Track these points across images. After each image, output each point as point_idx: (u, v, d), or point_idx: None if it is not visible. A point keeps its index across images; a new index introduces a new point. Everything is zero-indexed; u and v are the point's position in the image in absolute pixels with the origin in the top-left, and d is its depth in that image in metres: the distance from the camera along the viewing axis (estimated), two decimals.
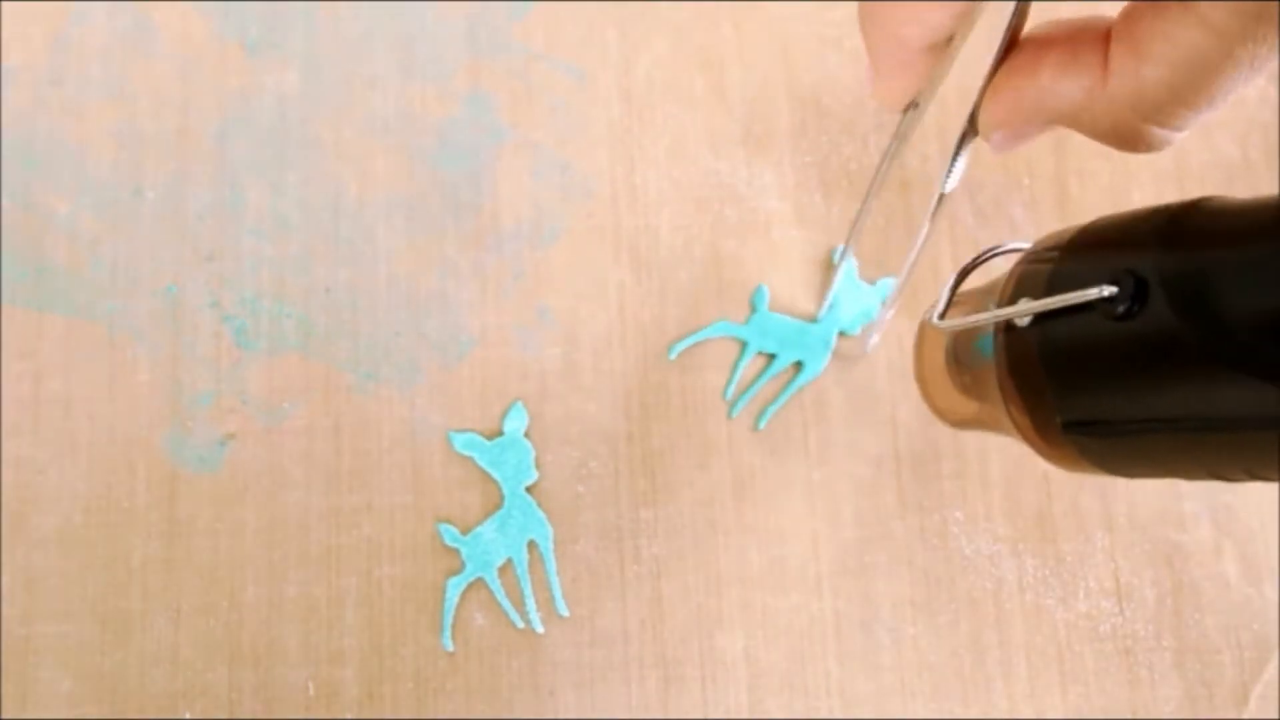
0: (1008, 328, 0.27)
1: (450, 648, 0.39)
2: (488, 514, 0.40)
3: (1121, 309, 0.23)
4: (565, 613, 0.39)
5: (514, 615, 0.39)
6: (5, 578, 0.39)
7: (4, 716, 0.38)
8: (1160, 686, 0.40)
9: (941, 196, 0.32)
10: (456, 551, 0.40)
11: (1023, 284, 0.27)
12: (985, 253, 0.32)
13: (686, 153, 0.44)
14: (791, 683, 0.39)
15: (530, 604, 0.39)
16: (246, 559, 0.40)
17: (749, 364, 0.42)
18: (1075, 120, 0.26)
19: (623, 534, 0.40)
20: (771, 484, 0.41)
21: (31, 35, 0.44)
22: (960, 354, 0.31)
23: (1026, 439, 0.28)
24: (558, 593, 0.39)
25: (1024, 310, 0.26)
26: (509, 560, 0.40)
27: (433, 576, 0.40)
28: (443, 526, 0.40)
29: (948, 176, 0.31)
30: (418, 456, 0.41)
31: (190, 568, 0.39)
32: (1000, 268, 0.30)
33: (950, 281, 0.32)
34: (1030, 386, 0.27)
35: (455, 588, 0.39)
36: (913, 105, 0.31)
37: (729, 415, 0.41)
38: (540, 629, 0.39)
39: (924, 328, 0.35)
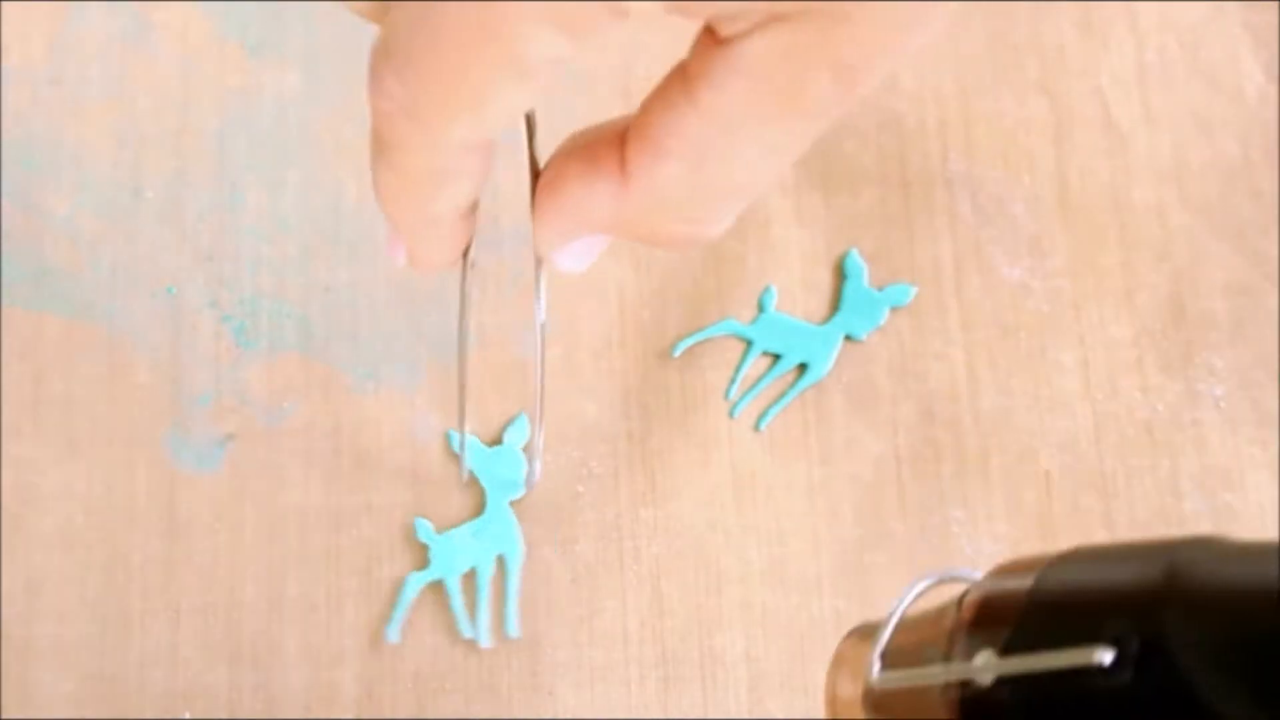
0: (961, 685, 0.23)
1: (396, 639, 0.39)
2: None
3: (1122, 678, 0.19)
4: (516, 634, 0.39)
5: (464, 624, 0.39)
6: (5, 578, 0.39)
7: (4, 717, 0.38)
8: None
9: (542, 327, 0.31)
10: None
11: (982, 626, 0.23)
12: (925, 583, 0.28)
13: None
14: (792, 683, 0.39)
15: (482, 617, 0.39)
16: (246, 559, 0.40)
17: (752, 364, 0.42)
18: (618, 228, 0.25)
19: (622, 534, 0.40)
20: (772, 483, 0.41)
21: (30, 35, 0.44)
22: (889, 703, 0.26)
23: None
24: (513, 612, 0.39)
25: (987, 668, 0.22)
26: (473, 569, 0.39)
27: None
28: (419, 521, 0.40)
29: (538, 304, 0.30)
30: (417, 457, 0.40)
31: (190, 568, 0.39)
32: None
33: (889, 625, 0.27)
34: None
35: (416, 583, 0.39)
36: (466, 262, 0.30)
37: (731, 415, 0.41)
38: (486, 643, 0.39)
39: (841, 660, 0.29)
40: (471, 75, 0.20)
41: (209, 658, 0.39)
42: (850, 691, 0.28)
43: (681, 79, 0.23)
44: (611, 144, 0.24)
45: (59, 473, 0.40)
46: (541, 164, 0.26)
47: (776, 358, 0.42)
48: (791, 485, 0.41)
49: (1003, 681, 0.22)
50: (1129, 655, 0.19)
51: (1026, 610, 0.22)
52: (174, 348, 0.41)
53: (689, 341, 0.42)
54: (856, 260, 0.42)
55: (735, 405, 0.41)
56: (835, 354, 0.42)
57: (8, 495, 0.40)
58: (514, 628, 0.39)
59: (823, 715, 0.39)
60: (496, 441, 0.40)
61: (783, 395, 0.41)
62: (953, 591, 0.26)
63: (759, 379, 0.41)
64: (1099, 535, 0.40)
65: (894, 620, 0.27)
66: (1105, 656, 0.19)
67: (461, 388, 0.36)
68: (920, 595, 0.27)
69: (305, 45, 0.44)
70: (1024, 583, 0.23)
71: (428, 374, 0.41)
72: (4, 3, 0.44)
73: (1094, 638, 0.20)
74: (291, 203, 0.43)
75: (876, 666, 0.26)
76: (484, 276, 0.42)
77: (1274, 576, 0.19)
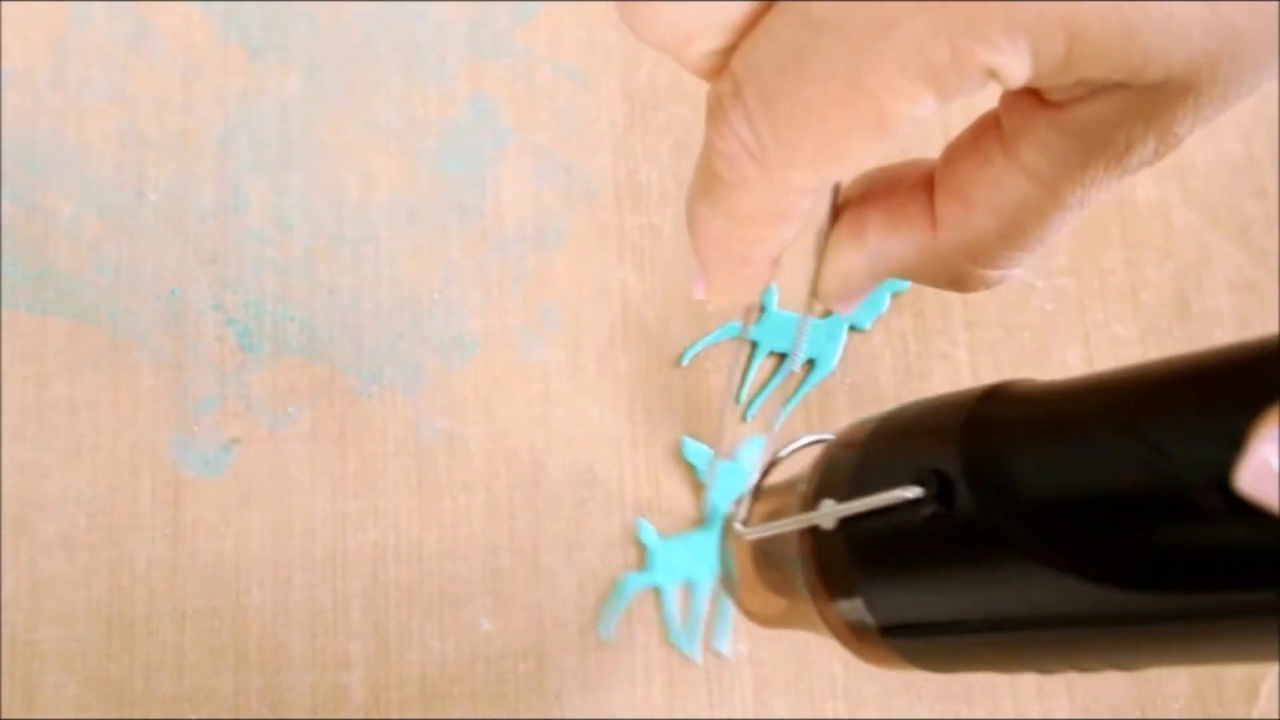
0: (814, 531, 0.26)
1: (608, 637, 0.39)
2: (488, 519, 0.40)
3: (928, 511, 0.22)
4: (727, 652, 0.39)
5: (675, 632, 0.39)
6: (9, 582, 0.39)
7: None
8: (1168, 684, 0.40)
9: (791, 375, 0.31)
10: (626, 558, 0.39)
11: (826, 482, 0.26)
12: (787, 448, 0.31)
13: (689, 151, 0.44)
14: (797, 685, 0.39)
15: (694, 630, 0.39)
16: (251, 563, 0.40)
17: (760, 365, 0.42)
18: (909, 273, 0.25)
19: (628, 538, 0.40)
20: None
21: (32, 38, 0.44)
22: (767, 553, 0.30)
23: (843, 642, 0.27)
24: (726, 629, 0.39)
25: (828, 514, 0.25)
26: (689, 581, 0.39)
27: (438, 581, 0.40)
28: (641, 522, 0.40)
29: (796, 355, 0.30)
30: (422, 460, 0.40)
31: (195, 572, 0.39)
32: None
33: (749, 486, 0.30)
34: (842, 590, 0.25)
35: (633, 584, 0.39)
36: (754, 308, 0.31)
37: (744, 418, 0.41)
38: (696, 658, 0.39)
39: (728, 524, 0.33)
40: (833, 127, 0.21)
41: (214, 661, 0.39)
42: (739, 551, 0.32)
43: (997, 136, 0.23)
44: (915, 192, 0.25)
45: (63, 476, 0.40)
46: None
47: (783, 356, 0.42)
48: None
49: (843, 523, 0.25)
50: (932, 491, 0.22)
51: (857, 465, 0.25)
52: (178, 351, 0.41)
53: (695, 349, 0.42)
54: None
55: (747, 408, 0.41)
56: (841, 346, 0.41)
57: (12, 499, 0.40)
58: (725, 645, 0.39)
59: (827, 717, 0.39)
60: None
61: (793, 393, 0.41)
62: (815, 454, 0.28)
63: (767, 380, 0.41)
64: None
65: (752, 482, 0.30)
66: (913, 493, 0.22)
67: (723, 411, 0.37)
68: (786, 458, 0.31)
69: (307, 47, 0.44)
70: (856, 445, 0.26)
71: (431, 376, 0.41)
72: (6, 5, 0.44)
73: (909, 478, 0.23)
74: (294, 205, 0.43)
75: (740, 523, 0.29)
76: (487, 278, 0.42)
77: (1050, 415, 0.22)
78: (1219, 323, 0.42)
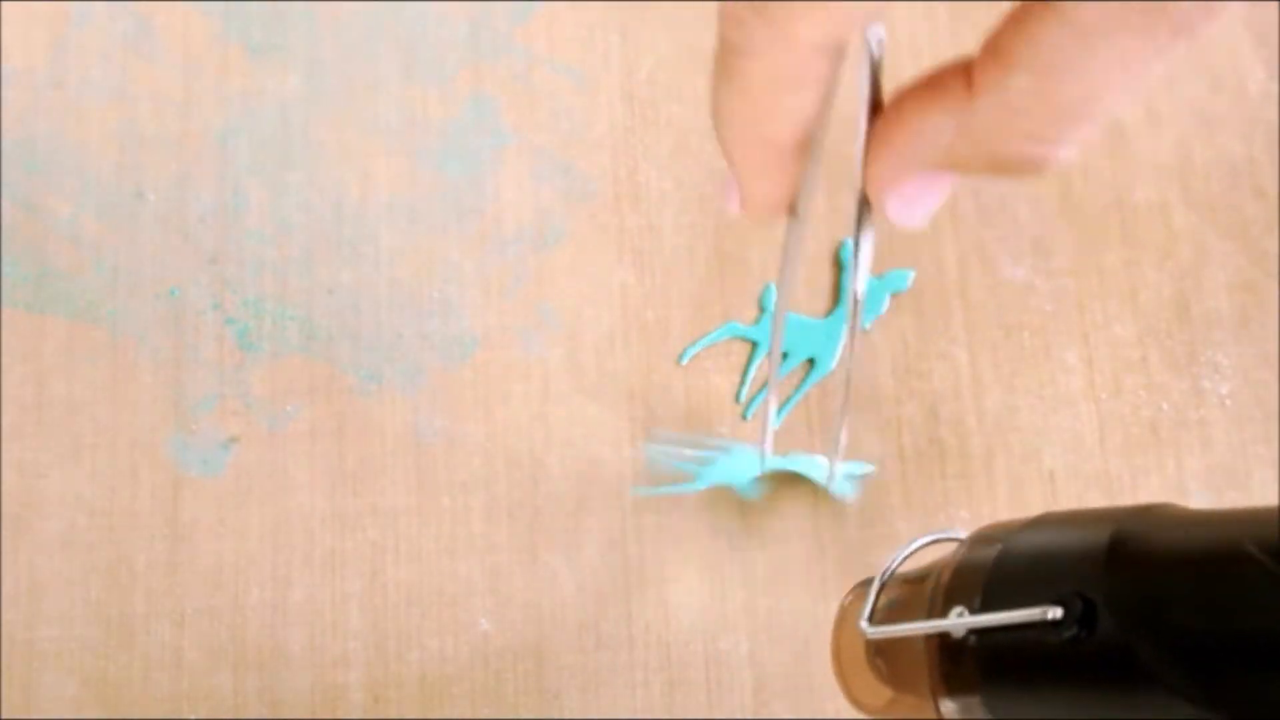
0: (941, 634, 0.26)
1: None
2: (488, 519, 0.40)
3: (1068, 634, 0.22)
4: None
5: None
6: (8, 582, 0.39)
7: None
8: None
9: (855, 298, 0.31)
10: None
11: (957, 586, 0.26)
12: (912, 546, 0.31)
13: (689, 152, 0.44)
14: (797, 685, 0.39)
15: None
16: (250, 562, 0.39)
17: (760, 364, 0.42)
18: (953, 156, 0.25)
19: (627, 538, 0.40)
20: (775, 484, 0.41)
21: (33, 37, 0.44)
22: (884, 646, 0.30)
23: None
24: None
25: (961, 623, 0.25)
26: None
27: (437, 580, 0.39)
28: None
29: (855, 273, 0.30)
30: (421, 459, 0.40)
31: (194, 571, 0.39)
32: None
33: (875, 585, 0.30)
34: (964, 694, 0.25)
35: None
36: (793, 214, 0.30)
37: (744, 417, 0.41)
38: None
39: (845, 614, 0.33)
40: None
41: (213, 661, 0.39)
42: (850, 639, 0.31)
43: None
44: (957, 70, 0.24)
45: (62, 476, 0.40)
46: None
47: (783, 356, 0.42)
48: (795, 486, 0.40)
49: (974, 633, 0.24)
50: (1074, 614, 0.22)
51: (993, 572, 0.25)
52: (177, 350, 0.41)
53: (695, 349, 0.42)
54: (852, 250, 0.42)
55: (747, 407, 0.41)
56: (841, 346, 0.42)
57: (11, 498, 0.40)
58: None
59: (828, 717, 0.39)
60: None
61: (793, 393, 0.41)
62: (942, 551, 0.28)
63: (767, 379, 0.41)
64: None
65: (880, 580, 0.30)
66: (1055, 613, 0.22)
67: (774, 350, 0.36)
68: (913, 554, 0.31)
69: (307, 47, 0.44)
70: (993, 549, 0.26)
71: (430, 376, 0.41)
72: (6, 5, 0.44)
73: (1048, 597, 0.22)
74: (294, 204, 0.43)
75: (865, 620, 0.29)
76: (486, 278, 0.42)
77: (1202, 544, 0.22)
78: (1219, 324, 0.42)
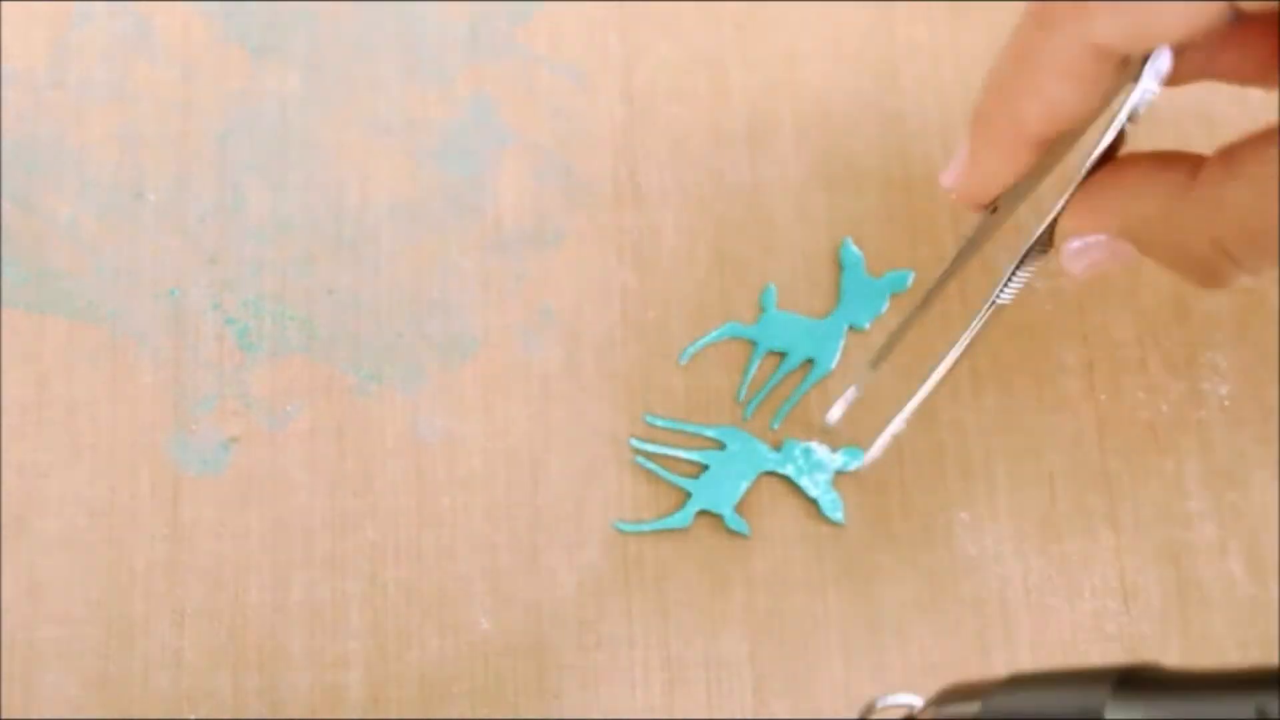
0: None
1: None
2: (488, 519, 0.40)
3: None
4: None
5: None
6: (8, 582, 0.39)
7: None
8: None
9: (994, 305, 0.30)
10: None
11: None
12: (877, 705, 0.30)
13: (689, 152, 0.44)
14: (796, 684, 0.39)
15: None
16: (250, 562, 0.39)
17: (760, 364, 0.42)
18: (1149, 232, 0.25)
19: (626, 538, 0.40)
20: (774, 485, 0.41)
21: (32, 38, 0.44)
22: None
23: None
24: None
25: None
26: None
27: (437, 580, 0.40)
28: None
29: (1004, 287, 0.29)
30: (421, 459, 0.40)
31: (194, 571, 0.39)
32: None
33: None
34: None
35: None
36: (992, 208, 0.30)
37: (745, 417, 0.41)
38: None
39: None
40: None
41: (213, 661, 0.39)
42: None
43: None
44: (1189, 159, 0.25)
45: (62, 476, 0.40)
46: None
47: (783, 356, 0.42)
48: (794, 487, 0.40)
49: None
50: None
51: None
52: (177, 350, 0.41)
53: (694, 348, 0.42)
54: (852, 250, 0.42)
55: (747, 407, 0.41)
56: (841, 346, 0.42)
57: (10, 498, 0.40)
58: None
59: (827, 717, 0.39)
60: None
61: (793, 393, 0.41)
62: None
63: (767, 379, 0.42)
64: (1103, 536, 0.40)
65: None
66: None
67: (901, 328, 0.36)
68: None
69: (307, 47, 0.44)
70: (968, 711, 0.24)
71: (430, 376, 0.41)
72: (6, 5, 0.44)
73: None
74: (294, 205, 0.43)
75: None
76: (486, 278, 0.42)
77: (1208, 715, 0.20)
78: (1218, 325, 0.42)
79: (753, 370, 0.41)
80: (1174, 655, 0.40)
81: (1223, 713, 0.20)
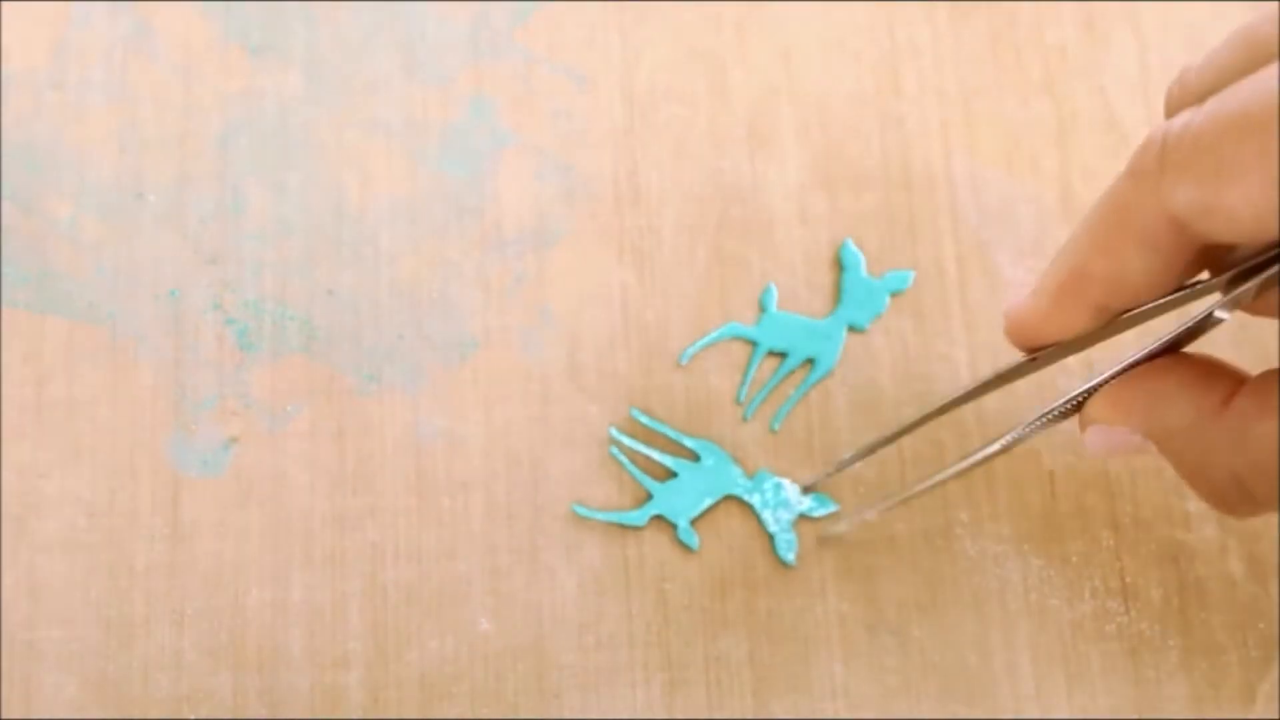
0: None
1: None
2: (488, 519, 0.40)
3: None
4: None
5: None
6: (7, 582, 0.39)
7: None
8: (1166, 686, 0.40)
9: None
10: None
11: None
12: None
13: (690, 153, 0.44)
14: (796, 685, 0.39)
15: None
16: (250, 563, 0.39)
17: (760, 365, 0.42)
18: (1172, 440, 0.24)
19: (626, 539, 0.40)
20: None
21: (32, 39, 0.44)
22: None
23: None
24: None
25: None
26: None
27: (437, 580, 0.40)
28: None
29: (1011, 441, 0.29)
30: (421, 459, 0.40)
31: (194, 572, 0.39)
32: None
33: None
34: None
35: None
36: (1033, 357, 0.29)
37: (745, 417, 0.41)
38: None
39: None
40: (1240, 152, 0.20)
41: (213, 662, 0.39)
42: None
43: None
44: (1233, 379, 0.24)
45: (61, 476, 0.40)
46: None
47: (783, 357, 0.42)
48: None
49: None
50: None
51: None
52: (177, 351, 0.41)
53: (694, 348, 0.42)
54: (853, 250, 0.42)
55: (747, 408, 0.41)
56: (841, 347, 0.42)
57: (10, 499, 0.40)
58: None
59: (828, 717, 0.39)
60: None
61: (793, 393, 0.41)
62: None
63: (767, 379, 0.42)
64: (1104, 535, 0.41)
65: None
66: None
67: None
68: None
69: (307, 47, 0.44)
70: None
71: (431, 376, 0.41)
72: (6, 5, 0.44)
73: None
74: (294, 205, 0.43)
75: None
76: (486, 278, 0.42)
77: None
78: (1218, 325, 0.42)
79: (753, 370, 0.41)
80: (1173, 656, 0.40)
81: None
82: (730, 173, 0.43)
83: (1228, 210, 0.21)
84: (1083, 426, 0.26)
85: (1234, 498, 0.24)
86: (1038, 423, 0.29)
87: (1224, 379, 0.24)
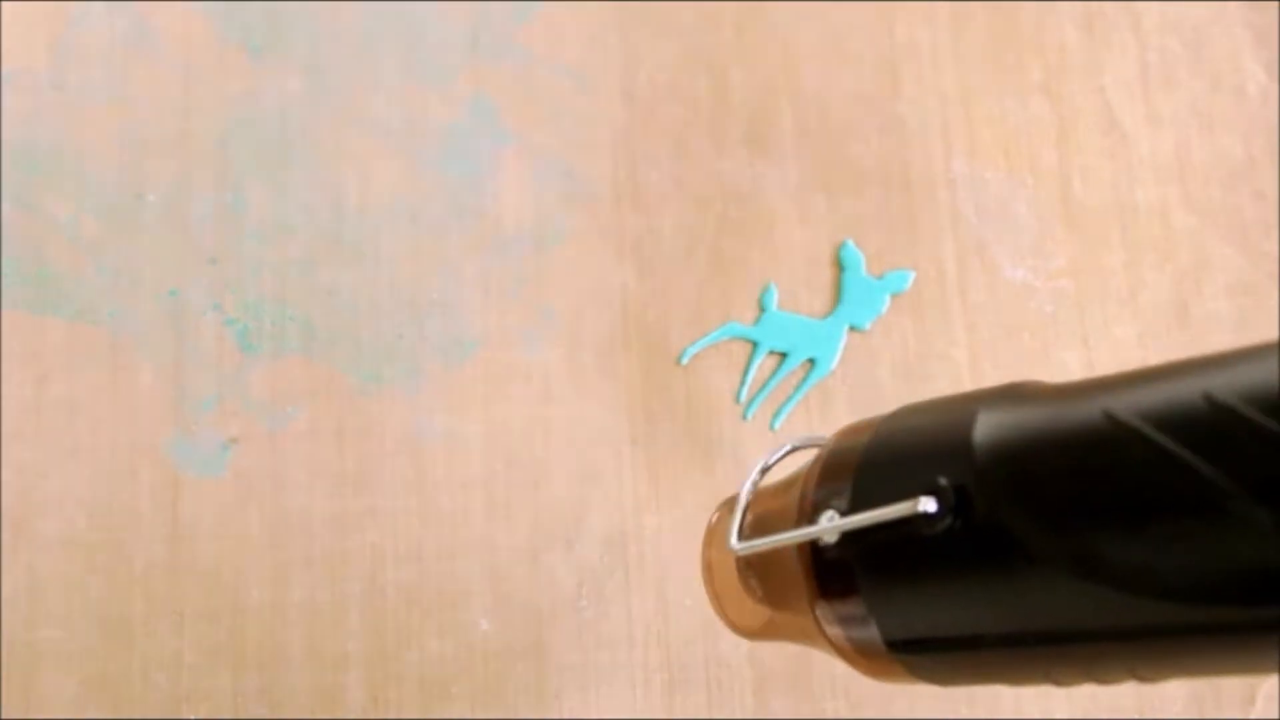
0: (813, 543, 0.25)
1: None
2: (488, 519, 0.40)
3: (943, 525, 0.21)
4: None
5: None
6: (8, 582, 0.39)
7: None
8: (1166, 686, 0.40)
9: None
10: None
11: (825, 491, 0.25)
12: (777, 453, 0.30)
13: (689, 153, 0.44)
14: (797, 684, 0.39)
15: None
16: (250, 563, 0.39)
17: (760, 364, 0.42)
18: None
19: (627, 538, 0.40)
20: None
21: (32, 39, 0.44)
22: (754, 564, 0.28)
23: (842, 656, 0.25)
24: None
25: (831, 528, 0.23)
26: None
27: (437, 581, 0.40)
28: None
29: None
30: (421, 460, 0.40)
31: (193, 572, 0.39)
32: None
33: (743, 497, 0.29)
34: (843, 604, 0.24)
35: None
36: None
37: (744, 417, 0.41)
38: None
39: (713, 533, 0.31)
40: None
41: (213, 662, 0.39)
42: (721, 559, 0.30)
43: None
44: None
45: (61, 477, 0.40)
46: None
47: (783, 356, 0.42)
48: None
49: (846, 536, 0.23)
50: (947, 503, 0.21)
51: (860, 469, 0.24)
52: (177, 351, 0.41)
53: (695, 348, 0.42)
54: (853, 250, 0.42)
55: (747, 407, 0.41)
56: (841, 346, 0.42)
57: (10, 499, 0.40)
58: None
59: (827, 717, 0.39)
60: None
61: (793, 393, 0.41)
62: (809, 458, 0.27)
63: (767, 379, 0.42)
64: None
65: (746, 493, 0.29)
66: (929, 505, 0.21)
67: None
68: (776, 463, 0.29)
69: (307, 48, 0.44)
70: (857, 444, 0.25)
71: (431, 376, 0.41)
72: (6, 5, 0.44)
73: (919, 489, 0.21)
74: (294, 206, 0.43)
75: (734, 537, 0.28)
76: (486, 278, 0.42)
77: (1067, 417, 0.21)
78: (1218, 325, 0.42)
79: (753, 370, 0.41)
80: None
81: (1075, 414, 0.21)
82: (730, 172, 0.43)
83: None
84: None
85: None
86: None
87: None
